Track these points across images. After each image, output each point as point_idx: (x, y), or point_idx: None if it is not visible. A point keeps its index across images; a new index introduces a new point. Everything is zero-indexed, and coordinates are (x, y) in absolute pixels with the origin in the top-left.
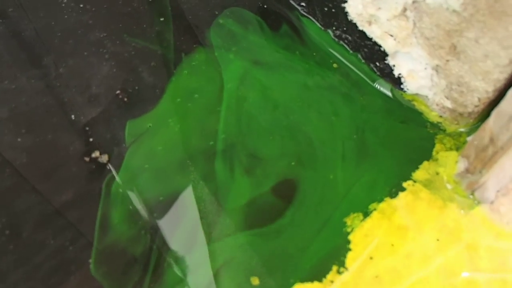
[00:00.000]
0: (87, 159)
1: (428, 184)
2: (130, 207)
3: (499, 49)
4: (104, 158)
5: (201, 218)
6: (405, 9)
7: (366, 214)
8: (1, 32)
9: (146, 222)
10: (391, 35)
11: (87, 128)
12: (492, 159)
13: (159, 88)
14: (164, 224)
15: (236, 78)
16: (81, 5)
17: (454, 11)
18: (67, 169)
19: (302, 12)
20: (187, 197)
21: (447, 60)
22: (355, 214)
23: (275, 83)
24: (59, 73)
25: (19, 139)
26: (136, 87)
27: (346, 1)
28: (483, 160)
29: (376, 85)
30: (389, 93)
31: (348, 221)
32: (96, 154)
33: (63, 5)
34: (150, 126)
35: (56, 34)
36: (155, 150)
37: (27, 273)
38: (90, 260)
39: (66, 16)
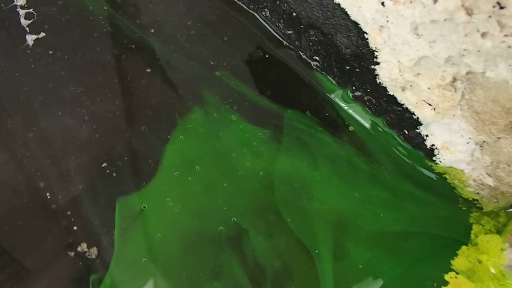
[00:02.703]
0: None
1: (471, 276)
2: None
3: None
4: (93, 252)
5: None
6: (454, 79)
7: None
8: None
9: None
10: (430, 104)
11: (68, 213)
12: None
13: (152, 159)
14: None
15: (240, 145)
16: (50, 52)
17: None
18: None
19: (314, 67)
20: None
21: (499, 138)
22: None
23: (283, 153)
24: (27, 138)
25: None
26: (125, 158)
27: (378, 63)
28: None
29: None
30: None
31: None
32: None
33: (28, 51)
34: (144, 208)
35: (22, 89)
36: (153, 239)
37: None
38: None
39: (32, 66)
